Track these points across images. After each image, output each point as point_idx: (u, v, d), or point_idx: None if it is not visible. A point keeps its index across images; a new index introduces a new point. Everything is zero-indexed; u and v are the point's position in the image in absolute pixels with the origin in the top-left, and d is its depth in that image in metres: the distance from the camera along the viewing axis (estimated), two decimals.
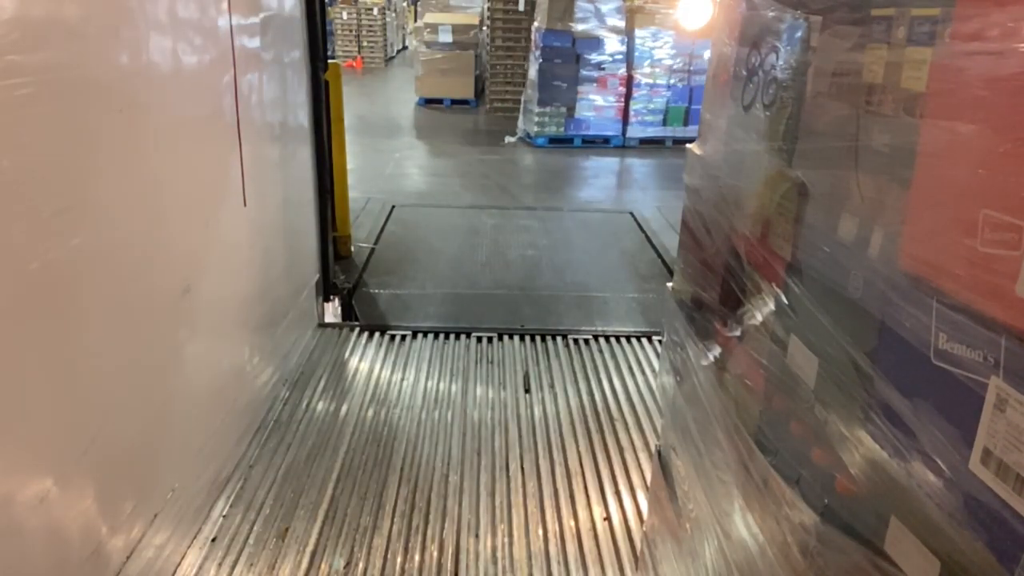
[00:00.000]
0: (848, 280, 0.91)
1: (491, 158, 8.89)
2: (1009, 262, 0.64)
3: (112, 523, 2.02)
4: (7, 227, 1.56)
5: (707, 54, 9.80)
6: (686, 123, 9.75)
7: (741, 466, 1.20)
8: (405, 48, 20.85)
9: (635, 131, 9.67)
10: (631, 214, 6.57)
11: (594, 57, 9.39)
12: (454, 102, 12.44)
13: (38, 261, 1.65)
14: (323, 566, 2.43)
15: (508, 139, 9.74)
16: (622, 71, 9.48)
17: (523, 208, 6.73)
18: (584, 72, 9.39)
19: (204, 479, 2.63)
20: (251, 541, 2.52)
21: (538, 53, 9.43)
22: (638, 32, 9.39)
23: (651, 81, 9.56)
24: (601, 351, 4.00)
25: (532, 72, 9.66)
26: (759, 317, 1.19)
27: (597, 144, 9.61)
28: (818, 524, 0.95)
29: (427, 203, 6.77)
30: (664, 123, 9.75)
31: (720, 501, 1.31)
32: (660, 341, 2.05)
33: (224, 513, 2.64)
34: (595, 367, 3.83)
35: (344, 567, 2.43)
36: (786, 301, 1.09)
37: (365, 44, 17.82)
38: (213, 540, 2.51)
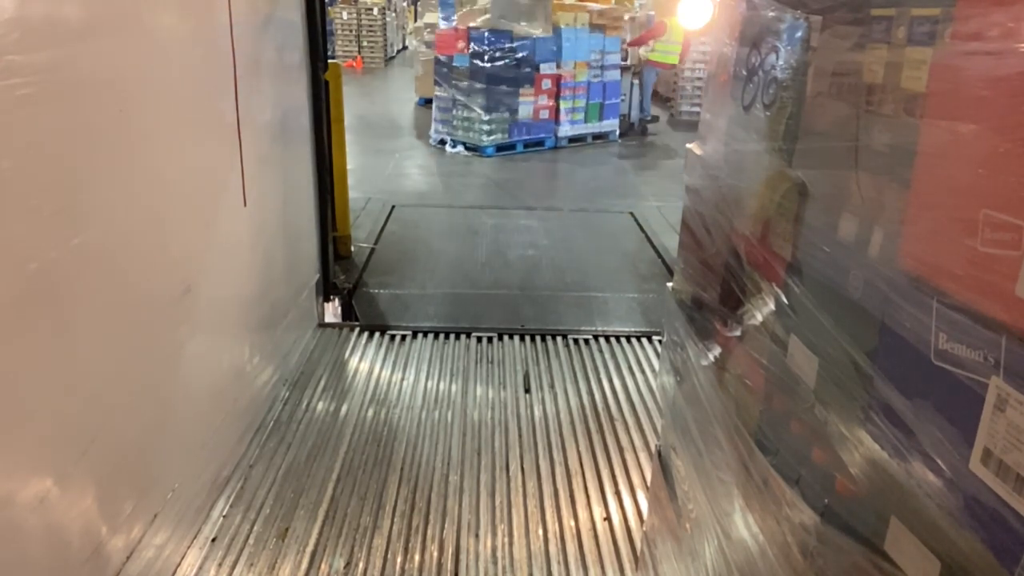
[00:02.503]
0: (848, 280, 0.91)
1: (492, 157, 8.89)
2: (1009, 262, 0.64)
3: (112, 523, 2.02)
4: (7, 227, 1.56)
5: (607, 52, 9.56)
6: (600, 118, 9.80)
7: (741, 466, 1.20)
8: (405, 48, 20.81)
9: (564, 130, 9.57)
10: (632, 214, 6.58)
11: (531, 57, 8.97)
12: None
13: (38, 261, 1.65)
14: (323, 566, 2.43)
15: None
16: (553, 70, 9.26)
17: (523, 208, 6.73)
18: (523, 73, 8.97)
19: (204, 479, 2.63)
20: (251, 541, 2.52)
21: (472, 55, 8.79)
22: (564, 30, 9.22)
23: (574, 79, 9.47)
24: (601, 351, 4.00)
25: (465, 77, 8.97)
26: (759, 317, 1.19)
27: (533, 147, 9.33)
28: (818, 524, 0.95)
29: (427, 203, 6.77)
30: (585, 120, 9.72)
31: (720, 501, 1.31)
32: (660, 341, 2.05)
33: (224, 513, 2.64)
34: (595, 367, 3.83)
35: (344, 567, 2.43)
36: (786, 301, 1.09)
37: (365, 44, 17.82)
38: (213, 540, 2.51)
